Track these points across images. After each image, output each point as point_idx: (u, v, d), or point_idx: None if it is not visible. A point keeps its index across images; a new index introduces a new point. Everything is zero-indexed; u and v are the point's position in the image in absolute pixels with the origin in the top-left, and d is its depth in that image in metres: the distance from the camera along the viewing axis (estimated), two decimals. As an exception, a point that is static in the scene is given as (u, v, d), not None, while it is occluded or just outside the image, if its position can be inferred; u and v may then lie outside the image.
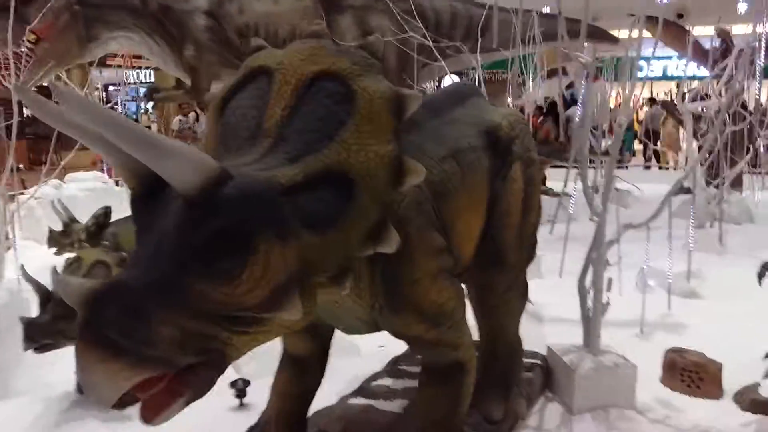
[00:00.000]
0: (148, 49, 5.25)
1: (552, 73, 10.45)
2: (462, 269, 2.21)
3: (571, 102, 11.76)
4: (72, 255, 3.03)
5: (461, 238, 2.13)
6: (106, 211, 4.67)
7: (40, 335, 2.64)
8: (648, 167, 13.60)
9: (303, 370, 2.28)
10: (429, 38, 5.12)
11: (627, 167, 12.50)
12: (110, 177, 8.22)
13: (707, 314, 4.20)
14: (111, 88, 18.40)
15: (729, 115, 6.49)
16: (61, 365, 2.89)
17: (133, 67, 16.51)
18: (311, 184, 1.48)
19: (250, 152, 1.56)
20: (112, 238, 4.56)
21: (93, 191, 7.12)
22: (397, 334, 2.03)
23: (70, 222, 4.65)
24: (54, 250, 4.71)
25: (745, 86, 7.49)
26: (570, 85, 11.05)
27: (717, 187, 6.55)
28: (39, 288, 2.69)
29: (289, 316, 1.44)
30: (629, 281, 4.31)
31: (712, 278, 4.88)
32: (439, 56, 5.23)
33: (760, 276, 2.98)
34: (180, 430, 2.74)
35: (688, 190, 10.43)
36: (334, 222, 1.50)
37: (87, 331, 1.25)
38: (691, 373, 3.15)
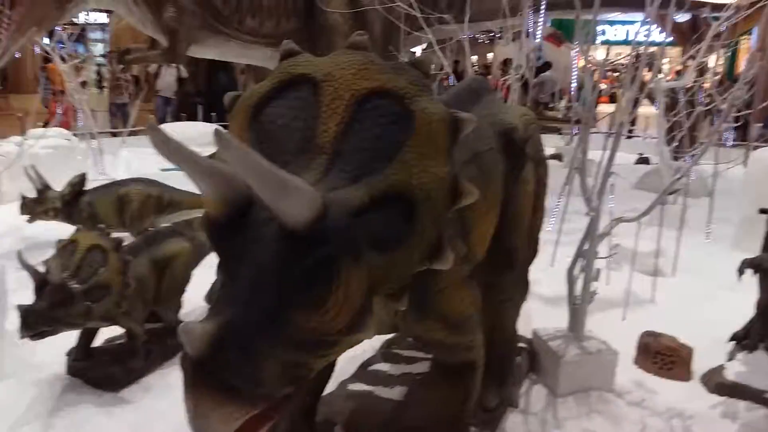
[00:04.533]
0: (126, 9, 5.01)
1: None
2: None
3: (540, 68, 11.81)
4: (63, 235, 2.94)
5: (477, 241, 2.18)
6: (82, 179, 4.56)
7: (38, 322, 2.60)
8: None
9: None
10: (415, 8, 5.05)
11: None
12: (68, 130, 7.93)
13: (674, 292, 4.44)
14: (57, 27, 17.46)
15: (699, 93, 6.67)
16: (44, 345, 2.85)
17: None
18: (375, 205, 1.49)
19: (307, 169, 1.53)
20: (88, 207, 4.48)
21: (56, 149, 6.86)
22: (416, 338, 2.09)
23: (44, 189, 4.52)
24: (26, 217, 4.59)
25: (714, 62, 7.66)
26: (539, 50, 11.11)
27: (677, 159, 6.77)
28: (35, 274, 2.63)
29: (366, 336, 1.50)
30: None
31: (672, 254, 5.11)
32: (424, 26, 5.18)
33: (741, 272, 3.16)
34: (177, 413, 2.80)
35: (646, 160, 10.72)
36: (399, 243, 1.53)
37: (203, 376, 1.26)
38: (664, 357, 3.36)
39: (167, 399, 2.95)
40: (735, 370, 3.25)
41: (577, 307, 3.19)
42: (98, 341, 3.15)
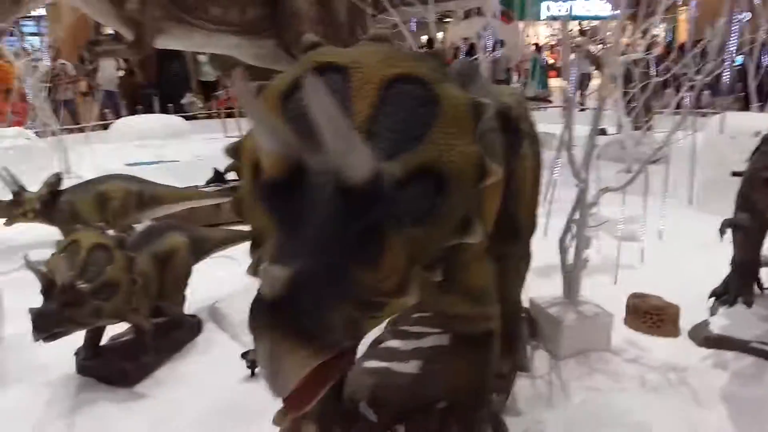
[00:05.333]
0: (83, 1, 4.85)
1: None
2: None
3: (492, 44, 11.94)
4: (67, 237, 2.90)
5: (487, 216, 2.27)
6: (58, 178, 4.46)
7: (50, 325, 2.57)
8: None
9: None
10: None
11: (545, 108, 12.96)
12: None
13: (650, 256, 4.65)
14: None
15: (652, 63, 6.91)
16: (46, 347, 2.83)
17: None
18: (410, 181, 1.57)
19: None
20: (68, 207, 4.40)
21: (15, 150, 6.66)
22: (438, 312, 2.17)
23: (19, 191, 4.40)
24: (3, 221, 4.46)
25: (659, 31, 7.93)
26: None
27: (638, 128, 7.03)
28: (43, 276, 2.60)
29: (411, 301, 1.57)
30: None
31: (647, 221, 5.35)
32: (389, 7, 5.19)
33: (722, 231, 3.35)
34: (195, 403, 2.86)
35: (603, 131, 11.04)
36: (432, 216, 1.61)
37: (280, 318, 1.29)
38: (653, 316, 3.54)
39: (181, 391, 2.98)
40: (719, 324, 3.46)
41: (571, 274, 3.33)
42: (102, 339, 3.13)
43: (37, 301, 2.67)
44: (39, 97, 6.85)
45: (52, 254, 2.87)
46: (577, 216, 3.23)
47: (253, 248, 1.83)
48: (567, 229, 3.27)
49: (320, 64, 1.77)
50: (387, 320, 3.29)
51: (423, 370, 2.77)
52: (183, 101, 13.89)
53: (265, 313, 1.30)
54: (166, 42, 5.12)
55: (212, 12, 5.16)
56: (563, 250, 3.30)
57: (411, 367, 2.80)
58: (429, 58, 1.77)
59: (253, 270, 1.72)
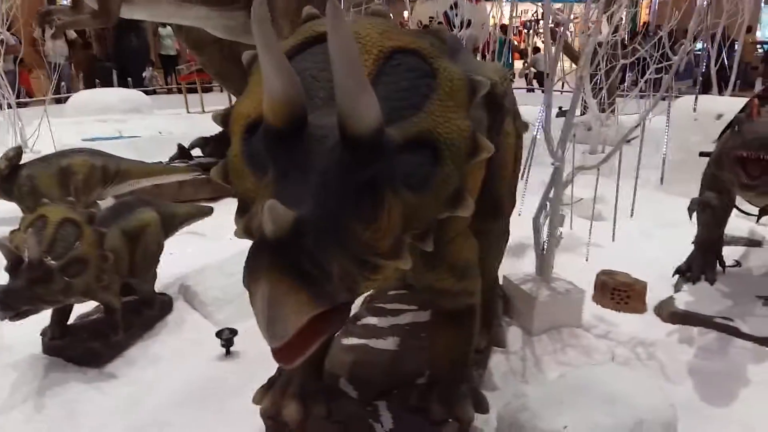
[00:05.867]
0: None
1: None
2: None
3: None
4: (29, 213, 2.78)
5: (470, 193, 2.27)
6: (18, 151, 4.29)
7: (18, 303, 2.47)
8: (531, 90, 14.30)
9: None
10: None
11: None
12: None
13: (617, 234, 4.75)
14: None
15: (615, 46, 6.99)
16: (8, 327, 2.73)
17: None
18: (406, 148, 1.58)
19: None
20: (28, 181, 4.25)
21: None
22: (423, 288, 2.17)
23: (-24, 166, 4.20)
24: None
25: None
26: (455, 6, 11.21)
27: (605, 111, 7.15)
28: (9, 252, 2.49)
29: (404, 265, 1.57)
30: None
31: (611, 200, 5.45)
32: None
33: (690, 211, 3.43)
34: (170, 381, 2.81)
35: (564, 113, 11.20)
36: (426, 184, 1.62)
37: (281, 259, 1.26)
38: (621, 292, 3.63)
39: (153, 370, 2.92)
40: (684, 300, 3.57)
41: (544, 252, 3.37)
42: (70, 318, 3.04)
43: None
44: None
45: (14, 229, 2.76)
46: (551, 195, 3.27)
47: (240, 213, 1.80)
48: (542, 208, 3.31)
49: (320, 34, 1.78)
50: (363, 296, 3.30)
51: (402, 346, 2.78)
52: (144, 75, 13.49)
53: (266, 253, 1.27)
54: (131, 12, 4.93)
55: None
56: (537, 229, 3.34)
57: (389, 343, 2.81)
58: (427, 35, 1.80)
59: (242, 232, 1.69)
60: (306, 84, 1.67)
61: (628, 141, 3.39)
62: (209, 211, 3.97)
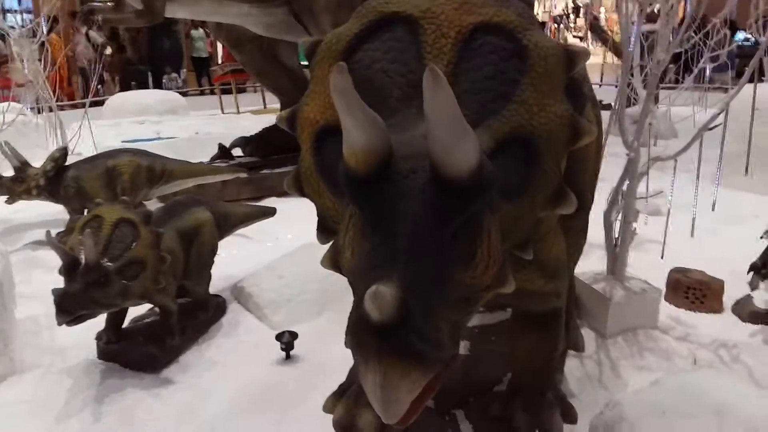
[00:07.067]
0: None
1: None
2: None
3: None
4: (86, 213, 2.69)
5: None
6: (64, 152, 4.23)
7: (75, 306, 2.37)
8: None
9: None
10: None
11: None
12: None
13: (679, 230, 4.51)
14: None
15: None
16: (62, 329, 2.63)
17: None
18: (500, 150, 1.39)
19: (422, 119, 1.40)
20: (74, 182, 4.19)
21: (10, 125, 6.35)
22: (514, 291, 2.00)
23: (23, 166, 4.16)
24: (4, 198, 4.23)
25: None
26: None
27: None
28: (66, 255, 2.39)
29: (508, 289, 1.39)
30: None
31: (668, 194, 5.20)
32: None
33: None
34: (227, 386, 2.69)
35: (608, 106, 10.92)
36: (524, 188, 1.43)
37: (395, 344, 1.12)
38: (696, 291, 3.41)
39: (210, 375, 2.81)
40: (763, 299, 3.34)
41: (617, 248, 3.18)
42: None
43: (44, 282, 2.46)
44: (34, 71, 6.55)
45: (60, 231, 2.67)
46: (625, 187, 3.07)
47: (321, 230, 1.65)
48: (614, 201, 3.11)
49: (385, 15, 1.57)
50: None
51: (473, 352, 2.62)
52: (164, 80, 13.40)
53: (374, 338, 1.13)
54: (174, 10, 4.85)
55: None
56: (609, 224, 3.14)
57: (463, 348, 2.64)
58: (514, 2, 1.55)
59: (329, 264, 1.53)
60: (377, 82, 1.50)
61: (711, 128, 3.17)
62: (272, 212, 3.81)
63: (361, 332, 1.16)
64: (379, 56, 1.53)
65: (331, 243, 1.59)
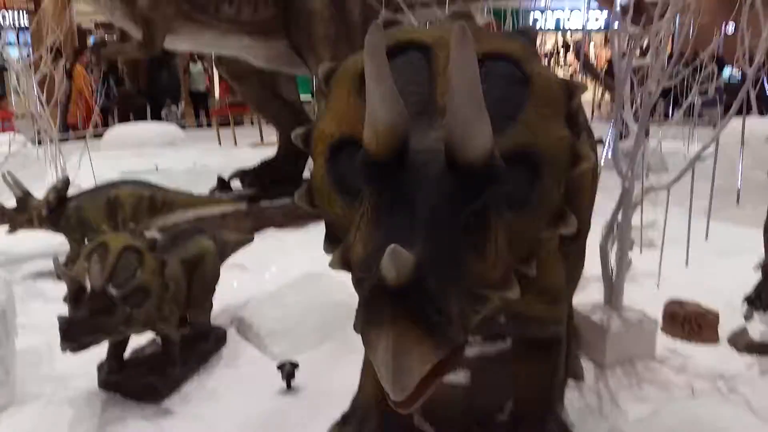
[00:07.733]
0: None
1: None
2: None
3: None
4: (86, 243, 2.72)
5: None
6: (66, 183, 4.27)
7: (80, 333, 2.39)
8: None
9: None
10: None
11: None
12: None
13: (671, 263, 4.56)
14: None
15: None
16: (62, 359, 2.64)
17: (6, 8, 14.66)
18: (506, 163, 1.46)
19: (433, 129, 1.49)
20: (76, 213, 4.21)
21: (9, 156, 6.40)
22: (511, 314, 2.04)
23: (25, 196, 4.19)
24: (6, 228, 4.25)
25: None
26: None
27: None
28: (71, 281, 2.42)
29: (513, 294, 1.45)
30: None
31: (659, 227, 5.26)
32: (405, 8, 5.10)
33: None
34: (229, 418, 2.69)
35: (600, 141, 11.07)
36: (527, 203, 1.52)
37: (406, 308, 1.16)
38: (692, 322, 3.45)
39: (212, 406, 2.80)
40: (758, 330, 3.37)
41: (613, 279, 3.22)
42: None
43: (43, 312, 2.46)
44: (36, 102, 6.63)
45: (66, 259, 2.69)
46: (620, 218, 3.13)
47: (329, 241, 1.71)
48: (609, 232, 3.17)
49: (402, 42, 1.70)
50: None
51: (474, 380, 2.64)
52: (162, 112, 13.56)
53: (388, 300, 1.16)
54: (175, 42, 4.97)
55: (224, 10, 5.02)
56: (605, 254, 3.20)
57: (460, 378, 2.66)
58: (517, 36, 1.72)
59: (338, 263, 1.58)
60: None
61: (702, 160, 3.27)
62: (251, 239, 3.87)
63: (373, 298, 1.19)
64: (395, 77, 1.63)
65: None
